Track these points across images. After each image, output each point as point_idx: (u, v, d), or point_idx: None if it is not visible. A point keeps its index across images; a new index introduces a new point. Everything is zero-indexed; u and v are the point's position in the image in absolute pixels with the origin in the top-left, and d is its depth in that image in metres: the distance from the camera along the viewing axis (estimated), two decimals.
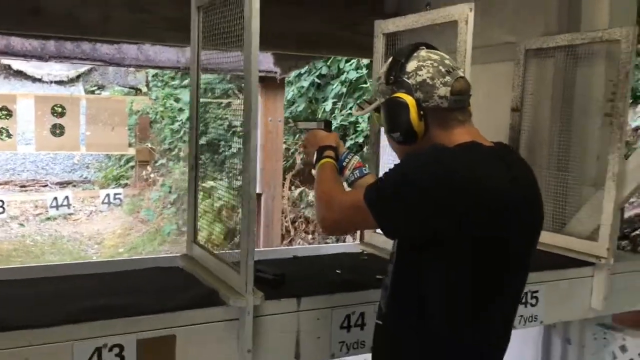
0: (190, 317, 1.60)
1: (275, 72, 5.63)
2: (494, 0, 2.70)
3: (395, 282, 1.49)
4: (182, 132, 10.58)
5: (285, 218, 7.54)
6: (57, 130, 13.76)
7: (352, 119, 7.39)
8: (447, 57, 1.52)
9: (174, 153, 10.78)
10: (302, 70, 8.05)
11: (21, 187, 14.21)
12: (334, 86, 7.67)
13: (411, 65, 1.47)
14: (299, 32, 3.64)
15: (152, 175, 12.95)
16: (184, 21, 3.09)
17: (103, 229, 11.51)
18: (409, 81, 1.46)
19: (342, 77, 7.60)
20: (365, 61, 7.18)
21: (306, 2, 3.50)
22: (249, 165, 1.61)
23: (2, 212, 9.33)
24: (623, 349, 2.49)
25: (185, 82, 11.64)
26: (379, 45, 2.30)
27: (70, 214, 12.33)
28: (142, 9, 2.96)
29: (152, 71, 12.59)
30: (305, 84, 7.93)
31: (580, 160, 2.53)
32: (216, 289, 1.69)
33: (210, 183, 8.64)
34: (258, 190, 6.89)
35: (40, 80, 12.33)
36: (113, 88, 14.36)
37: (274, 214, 6.76)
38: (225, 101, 9.88)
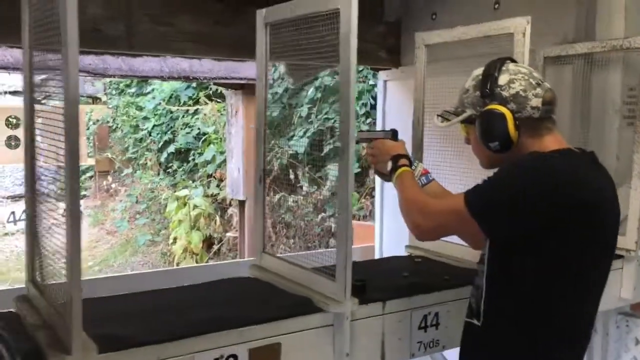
0: (292, 325, 1.66)
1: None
2: (513, 12, 2.85)
3: (491, 282, 1.58)
4: (148, 141, 10.44)
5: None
6: (13, 142, 13.27)
7: (329, 124, 7.49)
8: (533, 69, 1.63)
9: (141, 162, 10.62)
10: (275, 77, 8.11)
11: None
12: (309, 92, 7.75)
13: (503, 79, 1.58)
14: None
15: (113, 186, 12.68)
16: (203, 33, 3.14)
17: None
18: (503, 93, 1.56)
19: (317, 83, 7.68)
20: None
21: None
22: (347, 176, 1.67)
23: None
24: None
25: (146, 89, 11.47)
26: (422, 56, 2.40)
27: None
28: (164, 22, 2.97)
29: (108, 79, 12.35)
30: (280, 90, 7.98)
31: (601, 160, 2.70)
32: (308, 296, 1.75)
33: (184, 192, 8.63)
34: (242, 197, 6.90)
35: None
36: (53, 96, 13.93)
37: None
38: (192, 108, 9.82)
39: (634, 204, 2.46)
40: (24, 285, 1.77)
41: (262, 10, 2.01)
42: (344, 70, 1.66)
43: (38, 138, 1.72)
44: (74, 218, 1.29)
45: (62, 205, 1.68)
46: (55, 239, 1.52)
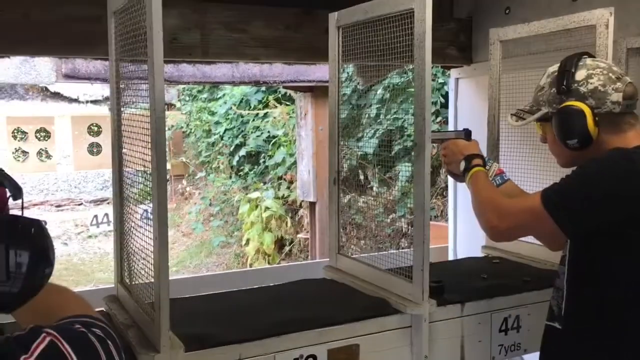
0: (370, 327, 1.66)
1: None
2: (591, 3, 2.75)
3: (572, 284, 1.54)
4: (220, 145, 10.70)
5: None
6: (94, 149, 13.88)
7: (399, 124, 7.44)
8: (612, 63, 1.58)
9: (213, 166, 10.90)
10: (343, 78, 8.14)
11: (57, 206, 14.39)
12: (377, 92, 7.73)
13: (580, 74, 1.52)
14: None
15: (187, 189, 13.08)
16: (274, 38, 3.19)
17: None
18: (581, 89, 1.51)
19: (385, 82, 7.65)
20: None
21: None
22: (423, 176, 1.67)
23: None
24: None
25: (218, 95, 11.76)
26: (496, 52, 2.35)
27: (111, 231, 12.46)
28: (237, 29, 3.05)
29: (181, 86, 12.75)
30: (348, 91, 7.99)
31: None
32: (385, 297, 1.76)
33: (256, 194, 8.79)
34: (312, 199, 6.96)
35: (76, 100, 12.53)
36: (137, 105, 14.51)
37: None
38: (262, 112, 9.98)
39: None
40: (109, 286, 1.86)
41: (335, 14, 2.03)
42: (419, 70, 1.66)
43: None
44: (161, 222, 1.35)
45: (139, 209, 1.76)
46: (135, 241, 1.60)
